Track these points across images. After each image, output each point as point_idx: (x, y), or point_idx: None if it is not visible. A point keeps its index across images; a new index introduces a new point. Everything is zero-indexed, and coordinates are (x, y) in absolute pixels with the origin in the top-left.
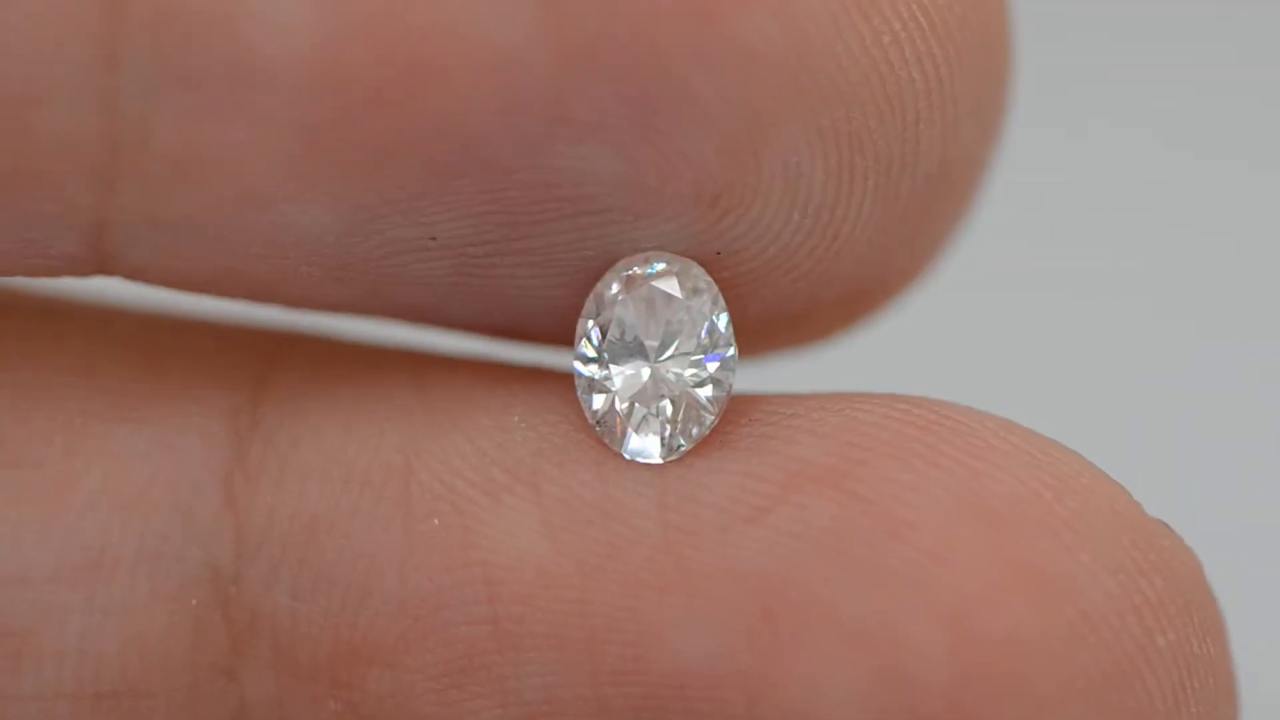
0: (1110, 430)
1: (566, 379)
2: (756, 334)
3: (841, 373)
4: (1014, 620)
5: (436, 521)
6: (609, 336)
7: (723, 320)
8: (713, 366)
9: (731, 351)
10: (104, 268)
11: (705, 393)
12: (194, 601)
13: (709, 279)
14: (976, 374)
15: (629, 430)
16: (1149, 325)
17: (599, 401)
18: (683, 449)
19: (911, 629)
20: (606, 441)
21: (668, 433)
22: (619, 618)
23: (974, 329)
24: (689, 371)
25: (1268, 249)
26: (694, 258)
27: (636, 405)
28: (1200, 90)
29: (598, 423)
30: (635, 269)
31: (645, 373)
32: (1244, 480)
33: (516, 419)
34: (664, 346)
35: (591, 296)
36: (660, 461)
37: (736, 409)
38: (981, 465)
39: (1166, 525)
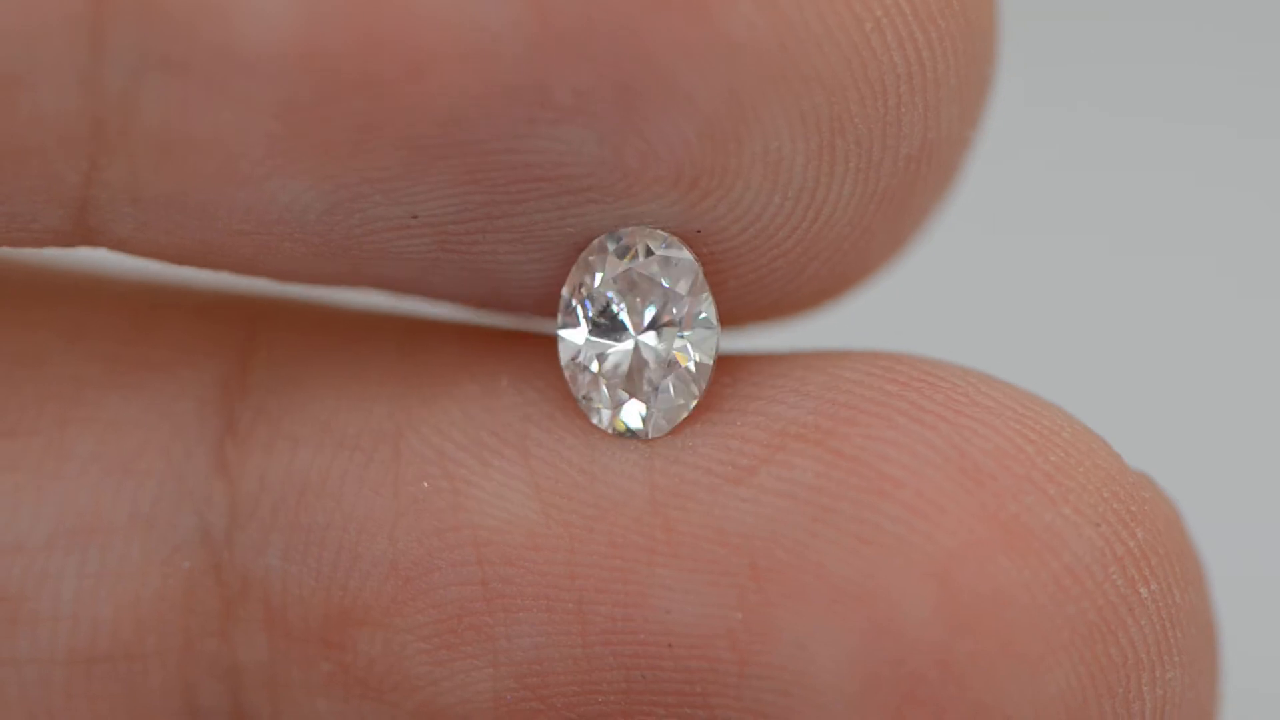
0: (1091, 383)
1: (552, 343)
2: (737, 309)
3: (824, 332)
4: (999, 575)
5: (426, 485)
6: (591, 313)
7: (704, 295)
8: (695, 340)
9: (713, 326)
10: (89, 240)
11: (688, 368)
12: (186, 565)
13: (690, 254)
14: (956, 331)
15: (613, 407)
16: (1126, 287)
17: (583, 378)
18: (665, 430)
19: (898, 585)
20: (592, 419)
21: (652, 409)
22: (607, 578)
23: (955, 288)
24: (672, 346)
25: (1244, 218)
26: (674, 235)
27: (620, 384)
28: (1183, 71)
29: (582, 398)
30: (616, 244)
31: (628, 348)
32: (1224, 431)
33: (504, 384)
34: (646, 322)
35: (573, 273)
36: (644, 438)
37: (720, 369)
38: (965, 420)
39: (1148, 477)
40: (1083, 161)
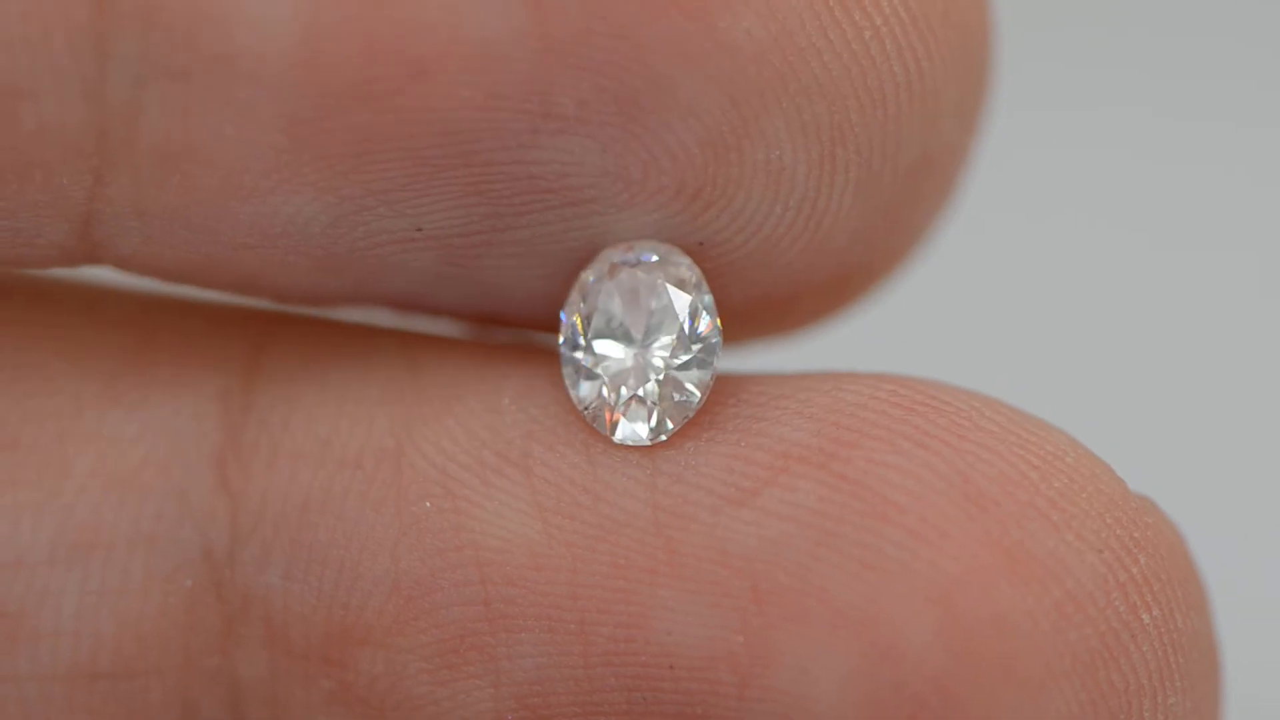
0: (1094, 406)
1: (555, 360)
2: (740, 322)
3: (825, 353)
4: (1001, 601)
5: (428, 504)
6: (594, 324)
7: (707, 305)
8: (697, 351)
9: (716, 336)
10: (93, 257)
11: (691, 377)
12: (188, 583)
13: (692, 265)
14: (959, 352)
15: (617, 416)
16: (1132, 301)
17: (586, 389)
18: (671, 430)
19: (899, 610)
20: (595, 427)
21: (655, 417)
22: (609, 599)
23: (958, 309)
24: (674, 357)
25: (1255, 234)
26: (677, 247)
27: (623, 391)
28: (1186, 80)
29: (585, 409)
30: (619, 257)
31: (631, 359)
32: (1228, 453)
33: (506, 402)
34: (649, 333)
35: (576, 285)
36: (648, 443)
37: (724, 390)
38: (968, 445)
39: (1151, 501)
40: (1084, 172)
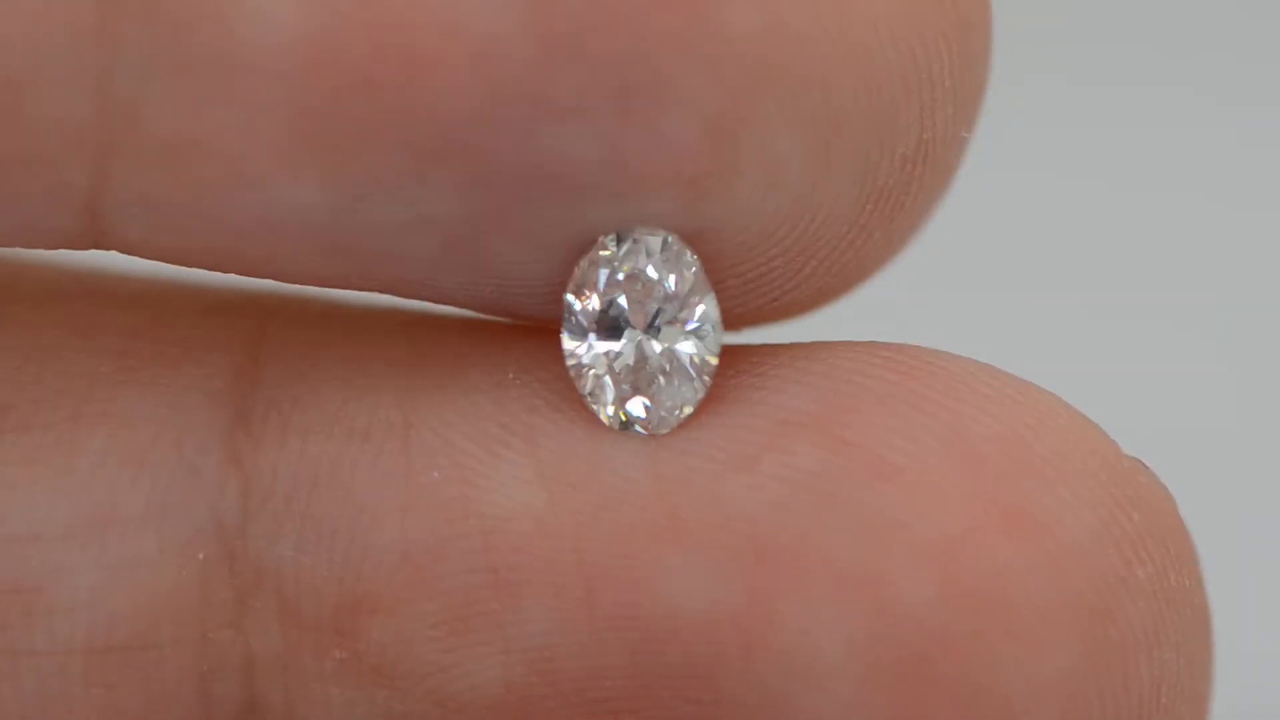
0: (1091, 391)
1: (557, 336)
2: (736, 309)
3: (821, 330)
4: (999, 557)
5: (436, 474)
6: (594, 313)
7: (707, 294)
8: (698, 340)
9: (716, 325)
10: (99, 243)
11: (691, 365)
12: (201, 555)
13: (692, 254)
14: (951, 329)
15: (618, 405)
16: (1121, 293)
17: (588, 378)
18: (674, 422)
19: (900, 569)
20: (597, 415)
21: (657, 408)
22: (614, 566)
23: (949, 295)
24: (675, 346)
25: (1240, 218)
26: (675, 234)
27: (624, 381)
28: (1180, 71)
29: (588, 394)
30: (618, 245)
31: (632, 349)
32: (1217, 420)
33: (510, 376)
34: (649, 322)
35: (576, 273)
36: (649, 434)
37: (723, 361)
38: (964, 408)
39: (1142, 462)
40: (1077, 160)
